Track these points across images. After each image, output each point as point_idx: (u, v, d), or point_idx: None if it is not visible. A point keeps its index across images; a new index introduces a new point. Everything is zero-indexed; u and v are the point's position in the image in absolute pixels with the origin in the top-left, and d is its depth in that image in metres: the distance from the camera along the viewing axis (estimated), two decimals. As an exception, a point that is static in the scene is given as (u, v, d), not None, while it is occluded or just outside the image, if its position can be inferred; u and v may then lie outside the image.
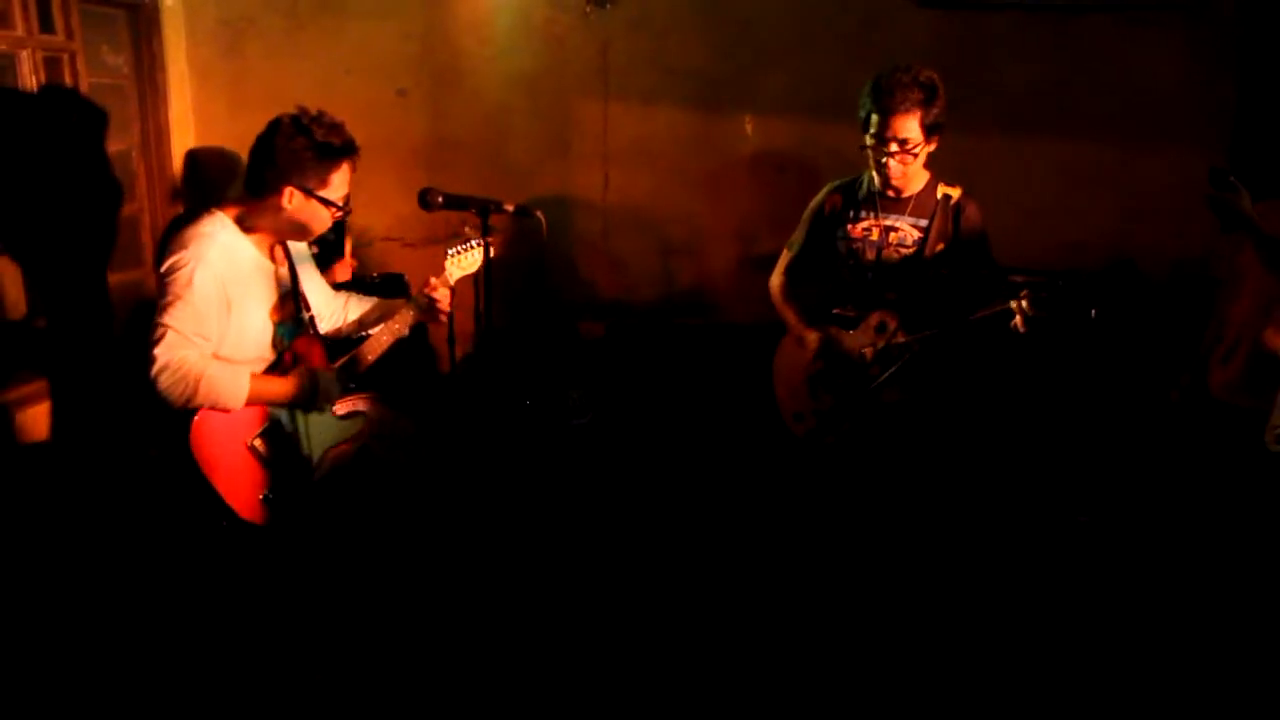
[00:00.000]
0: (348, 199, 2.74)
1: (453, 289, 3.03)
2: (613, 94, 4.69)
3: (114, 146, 4.62)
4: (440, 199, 2.68)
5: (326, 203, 2.66)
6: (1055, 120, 4.48)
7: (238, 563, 2.99)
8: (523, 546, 3.66)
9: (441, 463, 3.28)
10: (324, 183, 2.64)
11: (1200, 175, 4.21)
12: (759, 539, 3.68)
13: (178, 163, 4.94)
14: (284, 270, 2.83)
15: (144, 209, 4.92)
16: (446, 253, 3.02)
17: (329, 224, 2.76)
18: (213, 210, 2.67)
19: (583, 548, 3.77)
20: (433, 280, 3.00)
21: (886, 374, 3.05)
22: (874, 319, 3.19)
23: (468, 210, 2.69)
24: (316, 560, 3.01)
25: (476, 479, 3.38)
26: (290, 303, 2.83)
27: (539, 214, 2.80)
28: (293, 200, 2.62)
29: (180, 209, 5.01)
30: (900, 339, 3.11)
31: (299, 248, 2.97)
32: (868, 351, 3.16)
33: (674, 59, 4.62)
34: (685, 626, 3.25)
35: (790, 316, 3.38)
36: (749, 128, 4.64)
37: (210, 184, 5.02)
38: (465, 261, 3.07)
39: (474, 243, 3.05)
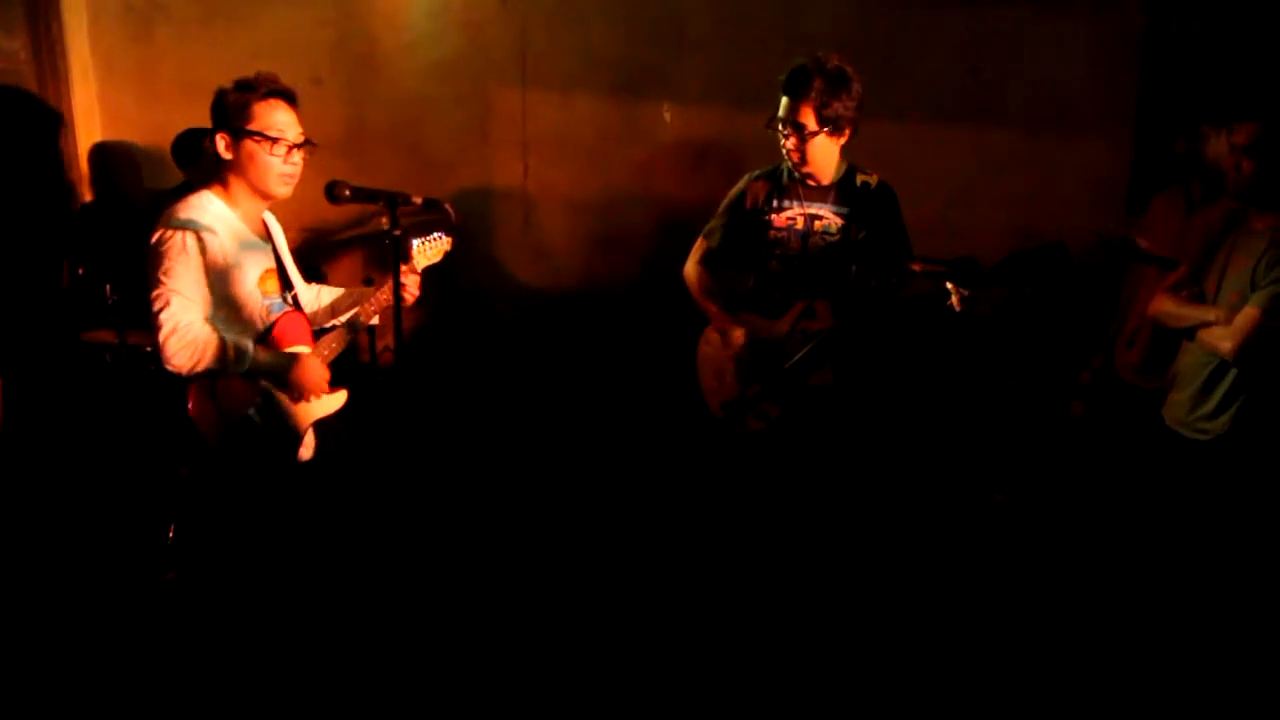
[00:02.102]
0: (300, 142, 2.74)
1: (420, 275, 3.08)
2: (531, 81, 4.65)
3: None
4: (347, 192, 2.62)
5: (252, 134, 2.66)
6: (971, 108, 4.54)
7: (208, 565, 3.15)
8: (446, 541, 3.64)
9: (369, 457, 3.31)
10: (246, 117, 2.67)
11: (1105, 160, 4.36)
12: (688, 528, 3.69)
13: (83, 154, 4.80)
14: (269, 248, 2.87)
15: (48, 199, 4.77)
16: (413, 242, 3.06)
17: (281, 170, 2.73)
18: (198, 189, 2.75)
19: (506, 539, 3.76)
20: (401, 267, 2.96)
21: (803, 351, 3.09)
22: (800, 305, 3.22)
23: (376, 203, 2.65)
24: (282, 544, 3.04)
25: (403, 474, 3.37)
26: (275, 278, 2.86)
27: (447, 205, 2.77)
28: (229, 148, 2.68)
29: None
30: (827, 323, 3.15)
31: (280, 231, 3.01)
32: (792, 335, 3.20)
33: (593, 46, 4.59)
34: (612, 619, 3.27)
35: (712, 309, 3.38)
36: (668, 115, 4.63)
37: (115, 176, 4.91)
38: (431, 250, 3.13)
39: (438, 235, 3.15)
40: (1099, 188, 4.38)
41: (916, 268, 2.71)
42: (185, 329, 2.53)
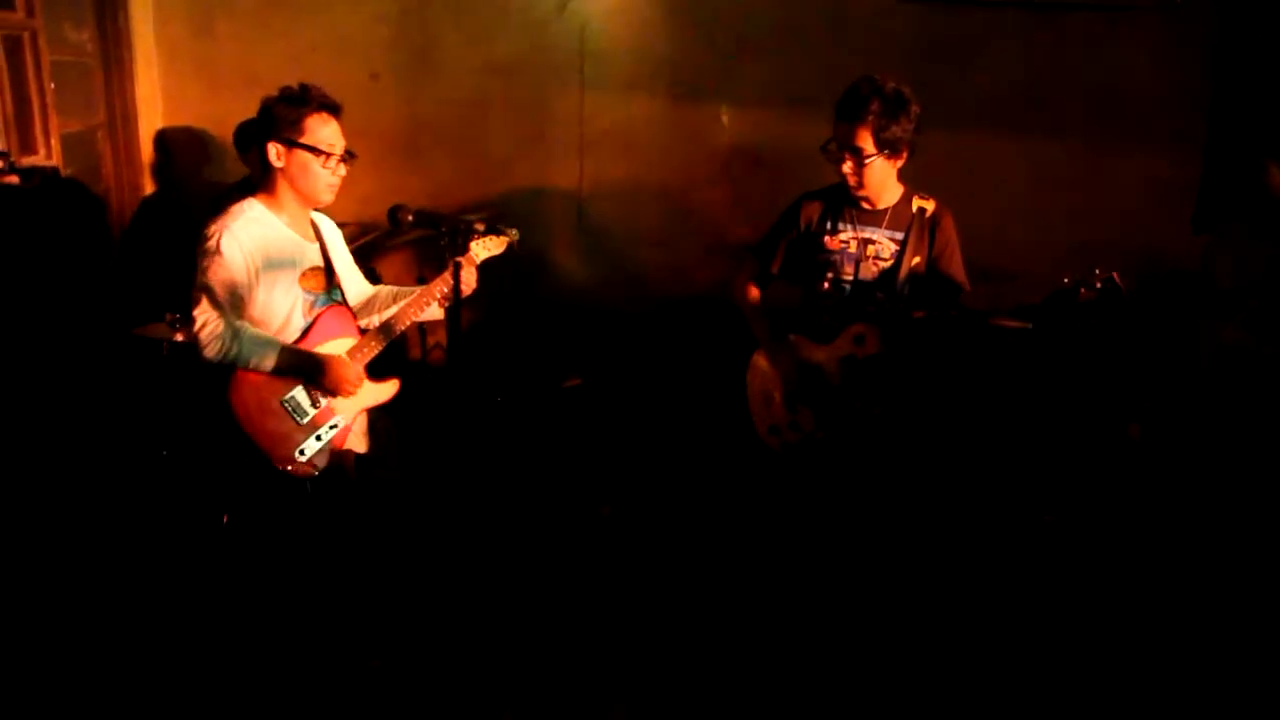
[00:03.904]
0: (344, 154, 2.89)
1: (477, 267, 3.13)
2: (589, 83, 4.63)
3: (77, 126, 4.55)
4: (410, 218, 2.65)
5: (305, 147, 2.82)
6: (1032, 119, 4.43)
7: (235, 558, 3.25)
8: (500, 544, 3.68)
9: (419, 458, 3.40)
10: (298, 130, 2.82)
11: (1172, 175, 4.23)
12: (738, 548, 3.69)
13: (146, 144, 4.87)
14: (315, 248, 3.02)
15: (110, 189, 4.85)
16: (471, 234, 3.11)
17: (330, 180, 2.89)
18: (246, 196, 2.95)
19: (561, 545, 3.80)
20: (458, 260, 3.01)
21: (854, 380, 3.07)
22: (852, 331, 3.20)
23: (438, 229, 2.67)
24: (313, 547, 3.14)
25: (451, 476, 3.43)
26: (322, 276, 3.01)
27: (510, 231, 2.80)
28: (280, 156, 2.84)
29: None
30: (878, 350, 3.13)
31: (332, 231, 3.17)
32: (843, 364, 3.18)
33: (652, 49, 4.55)
34: (661, 632, 3.30)
35: (761, 335, 3.37)
36: (725, 119, 4.59)
37: (179, 164, 4.97)
38: (491, 244, 3.18)
39: (501, 226, 3.20)
40: (1165, 204, 4.27)
41: (996, 324, 2.69)
42: (214, 324, 2.76)
